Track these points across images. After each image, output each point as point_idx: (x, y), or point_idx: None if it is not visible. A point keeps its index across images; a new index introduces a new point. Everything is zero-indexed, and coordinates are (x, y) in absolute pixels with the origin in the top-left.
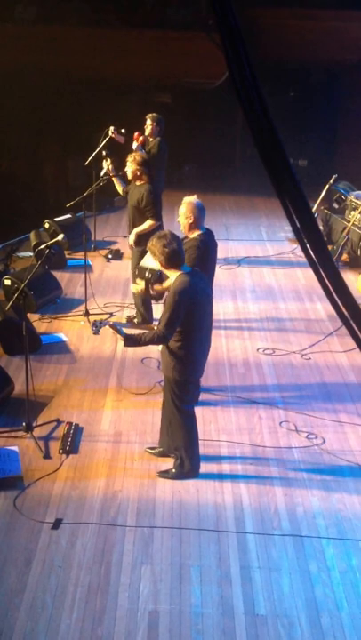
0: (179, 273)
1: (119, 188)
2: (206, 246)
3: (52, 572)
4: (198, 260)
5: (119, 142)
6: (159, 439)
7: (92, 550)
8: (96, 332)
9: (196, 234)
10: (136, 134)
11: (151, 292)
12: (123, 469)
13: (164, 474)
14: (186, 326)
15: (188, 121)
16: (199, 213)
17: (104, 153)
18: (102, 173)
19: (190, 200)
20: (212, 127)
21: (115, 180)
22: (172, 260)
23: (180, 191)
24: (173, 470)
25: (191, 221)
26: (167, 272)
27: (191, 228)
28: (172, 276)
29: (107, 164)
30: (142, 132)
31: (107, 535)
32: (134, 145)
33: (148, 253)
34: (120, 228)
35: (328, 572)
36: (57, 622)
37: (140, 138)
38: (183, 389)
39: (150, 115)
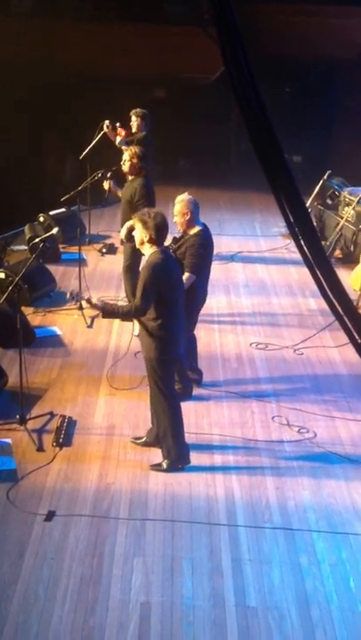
0: (155, 249)
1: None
2: (208, 242)
3: (44, 563)
4: (201, 257)
5: (112, 138)
6: (148, 430)
7: (85, 542)
8: (70, 300)
9: (195, 230)
10: (119, 129)
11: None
12: (115, 462)
13: (157, 467)
14: (162, 302)
15: (183, 116)
16: (195, 208)
17: (108, 175)
18: (107, 195)
19: (184, 197)
20: (207, 122)
21: (118, 192)
22: (160, 235)
23: (174, 186)
24: (165, 462)
25: (188, 217)
26: (144, 248)
27: (189, 224)
28: (148, 251)
29: (107, 184)
30: (127, 127)
31: (99, 527)
32: (117, 139)
33: None
34: (114, 222)
35: (318, 565)
36: (49, 613)
37: (123, 132)
38: (166, 369)
39: (134, 111)
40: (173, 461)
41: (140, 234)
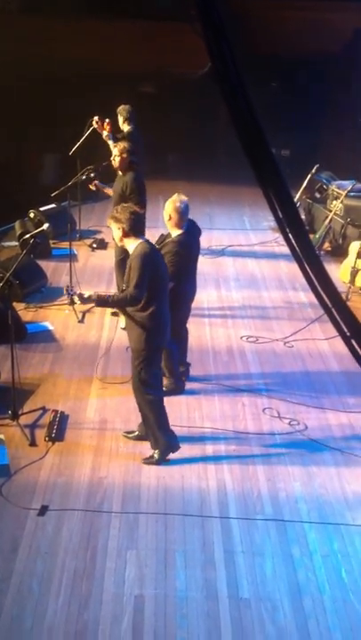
0: (139, 241)
1: (111, 193)
2: (186, 247)
3: (38, 557)
4: (178, 266)
5: (101, 133)
6: (139, 424)
7: (78, 536)
8: (68, 295)
9: (176, 233)
10: (106, 123)
11: None
12: (108, 456)
13: (149, 460)
14: (151, 292)
15: (171, 110)
16: (178, 215)
17: (92, 175)
18: (91, 187)
19: (174, 200)
20: (195, 117)
21: (106, 190)
22: (135, 226)
23: (164, 181)
24: (155, 452)
25: (170, 220)
26: (127, 241)
27: (173, 226)
28: (132, 245)
29: (93, 186)
30: (114, 123)
31: (92, 521)
32: (104, 134)
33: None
34: (105, 217)
35: (310, 556)
36: (43, 607)
37: (108, 126)
38: (154, 359)
39: (118, 110)
40: (163, 450)
41: (115, 231)
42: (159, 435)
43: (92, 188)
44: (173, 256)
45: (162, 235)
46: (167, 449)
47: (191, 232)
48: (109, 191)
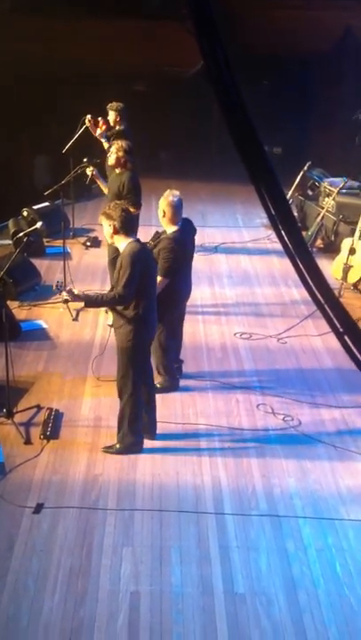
0: (129, 240)
1: (104, 189)
2: (180, 244)
3: (33, 555)
4: (172, 262)
5: (94, 132)
6: None
7: (74, 533)
8: (57, 291)
9: (171, 230)
10: (100, 122)
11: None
12: (103, 453)
13: (109, 449)
14: (140, 290)
15: (163, 109)
16: (172, 210)
17: (85, 160)
18: (87, 181)
19: (168, 195)
20: (188, 115)
21: (99, 182)
22: (126, 224)
23: (156, 179)
24: (117, 445)
25: (165, 217)
26: (117, 239)
27: (167, 223)
28: (122, 243)
29: (90, 171)
30: (106, 120)
31: (88, 518)
32: (98, 132)
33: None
34: (98, 215)
35: (305, 551)
36: (39, 605)
37: (104, 126)
38: (142, 355)
39: (110, 105)
40: (127, 446)
41: (107, 227)
42: (128, 431)
43: (89, 172)
44: (168, 252)
45: (157, 232)
46: (131, 446)
47: (186, 230)
48: (103, 186)
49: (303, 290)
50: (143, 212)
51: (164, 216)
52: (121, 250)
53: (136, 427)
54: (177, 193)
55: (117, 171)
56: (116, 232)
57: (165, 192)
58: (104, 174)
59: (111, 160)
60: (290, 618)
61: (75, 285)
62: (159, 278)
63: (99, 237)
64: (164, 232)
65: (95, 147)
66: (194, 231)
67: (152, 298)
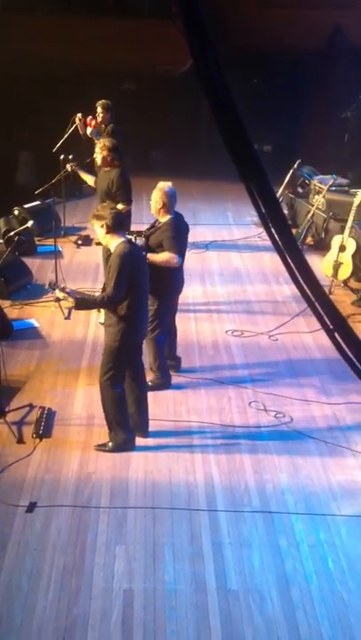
0: (121, 240)
1: (90, 180)
2: (177, 227)
3: (27, 554)
4: (174, 239)
5: (82, 130)
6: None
7: (67, 532)
8: (49, 290)
9: (166, 218)
10: (89, 120)
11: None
12: (96, 452)
13: (102, 447)
14: (131, 290)
15: (153, 107)
16: (169, 200)
17: (63, 157)
18: (68, 168)
19: (162, 187)
20: (178, 113)
21: (82, 174)
22: (117, 224)
23: (147, 177)
24: (110, 443)
25: (160, 206)
26: (109, 239)
27: (161, 212)
28: (114, 243)
29: (70, 167)
30: (96, 118)
31: (81, 517)
32: (88, 130)
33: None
34: (89, 213)
35: (297, 547)
36: (33, 603)
37: (93, 122)
38: (128, 355)
39: (100, 102)
40: (120, 444)
41: (99, 229)
42: (118, 429)
43: (69, 168)
44: (171, 232)
45: (152, 224)
46: (124, 443)
47: (180, 220)
48: (87, 178)
49: (294, 287)
50: (134, 209)
51: (162, 206)
52: (112, 250)
53: (126, 425)
54: (169, 183)
55: (106, 169)
56: (108, 231)
57: (158, 184)
58: (94, 174)
59: (98, 160)
60: (283, 614)
61: (66, 284)
62: (168, 254)
63: (90, 235)
64: (155, 223)
65: (85, 145)
66: (187, 228)
67: (144, 297)
